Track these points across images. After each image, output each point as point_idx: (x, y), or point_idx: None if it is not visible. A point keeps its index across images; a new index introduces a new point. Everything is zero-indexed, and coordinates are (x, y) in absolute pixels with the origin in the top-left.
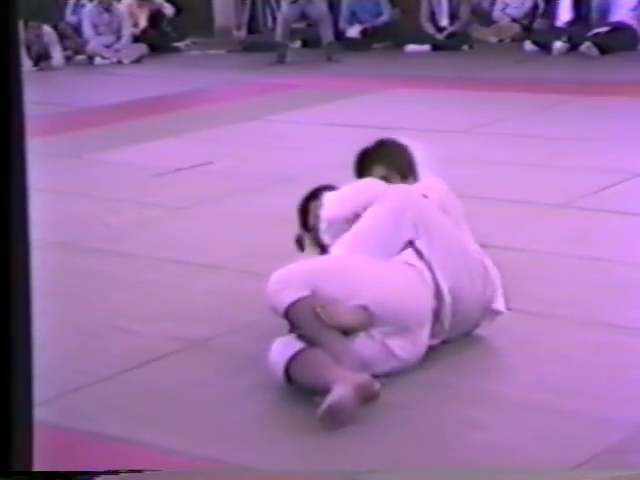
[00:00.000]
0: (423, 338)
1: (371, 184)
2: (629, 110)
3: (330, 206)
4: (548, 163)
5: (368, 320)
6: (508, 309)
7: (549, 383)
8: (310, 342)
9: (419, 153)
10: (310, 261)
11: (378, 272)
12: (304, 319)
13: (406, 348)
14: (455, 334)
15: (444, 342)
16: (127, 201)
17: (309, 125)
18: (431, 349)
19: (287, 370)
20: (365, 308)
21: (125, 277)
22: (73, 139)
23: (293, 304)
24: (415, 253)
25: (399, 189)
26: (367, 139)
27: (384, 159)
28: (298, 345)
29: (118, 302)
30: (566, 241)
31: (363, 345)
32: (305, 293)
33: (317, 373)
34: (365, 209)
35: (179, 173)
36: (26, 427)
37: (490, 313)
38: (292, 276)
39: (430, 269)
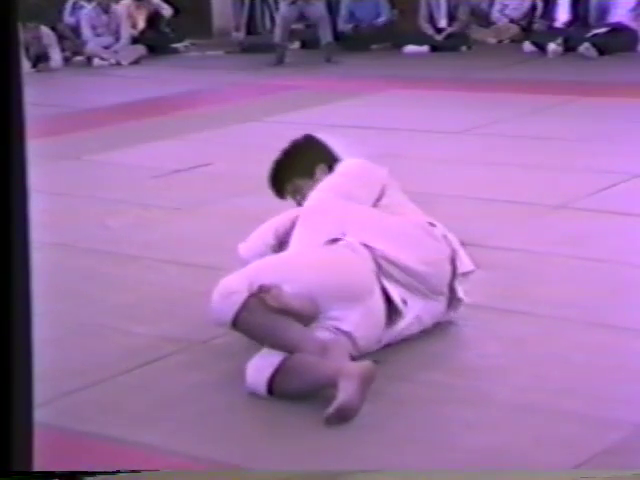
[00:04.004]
0: (377, 306)
1: (282, 216)
2: (628, 111)
3: (245, 246)
4: (547, 164)
5: (314, 308)
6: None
7: (548, 384)
8: (273, 344)
9: (332, 141)
10: (244, 267)
11: (309, 255)
12: (255, 322)
13: (361, 324)
14: (432, 290)
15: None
16: (126, 202)
17: (308, 126)
18: (425, 332)
19: (269, 387)
20: (308, 297)
21: (124, 278)
22: (72, 140)
23: (238, 312)
24: (343, 241)
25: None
26: (366, 140)
27: (292, 173)
28: (276, 359)
29: (117, 303)
30: (564, 242)
31: (324, 336)
32: (245, 295)
33: (309, 376)
34: (284, 233)
35: (178, 174)
36: (26, 428)
37: (462, 275)
38: (228, 284)
39: (362, 242)
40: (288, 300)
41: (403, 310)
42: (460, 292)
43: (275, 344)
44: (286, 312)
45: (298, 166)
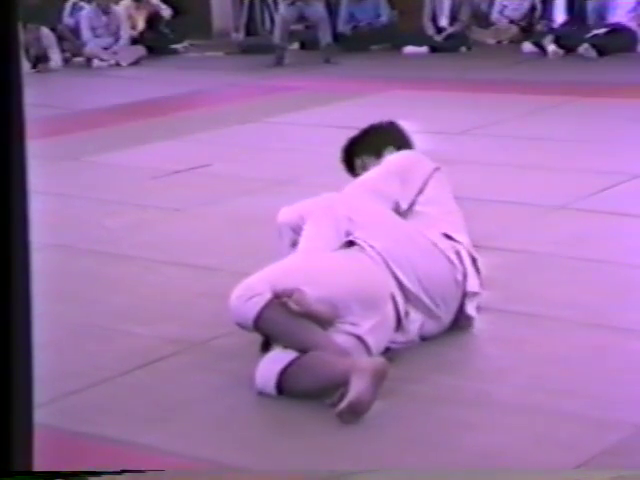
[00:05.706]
0: (389, 315)
1: (312, 201)
2: (628, 111)
3: (285, 212)
4: (547, 165)
5: (334, 312)
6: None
7: (547, 384)
8: (292, 345)
9: (410, 130)
10: (266, 268)
11: (331, 260)
12: (276, 322)
13: (375, 330)
14: (446, 311)
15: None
16: (125, 203)
17: (307, 127)
18: (426, 339)
19: (279, 383)
20: (328, 301)
21: (124, 279)
22: (71, 141)
23: (260, 313)
24: (358, 246)
25: (325, 196)
26: None
27: (362, 150)
28: (288, 356)
29: (117, 304)
30: (565, 242)
31: (339, 340)
32: (268, 297)
33: (321, 372)
34: (302, 218)
35: (177, 175)
36: (26, 428)
37: (468, 295)
38: (251, 285)
39: (377, 252)
40: (310, 303)
41: (405, 322)
42: (470, 309)
43: (296, 345)
44: (307, 315)
45: (369, 144)
